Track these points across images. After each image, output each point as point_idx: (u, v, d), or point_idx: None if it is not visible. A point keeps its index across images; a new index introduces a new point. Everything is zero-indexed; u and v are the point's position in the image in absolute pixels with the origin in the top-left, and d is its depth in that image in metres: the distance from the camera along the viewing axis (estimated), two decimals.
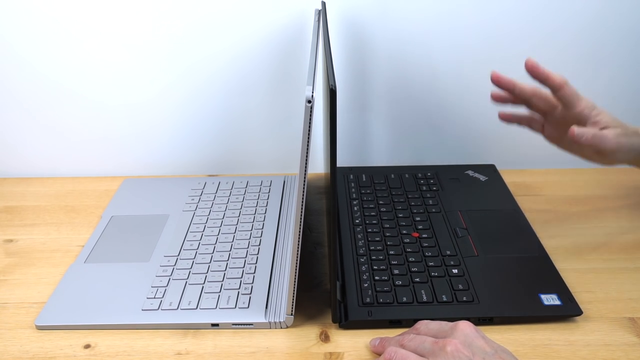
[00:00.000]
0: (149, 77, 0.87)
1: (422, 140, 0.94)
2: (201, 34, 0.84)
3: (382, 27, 0.84)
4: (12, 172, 0.94)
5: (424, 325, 0.57)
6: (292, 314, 0.61)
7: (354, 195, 0.84)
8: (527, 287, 0.65)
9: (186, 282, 0.68)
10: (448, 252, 0.71)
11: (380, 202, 0.82)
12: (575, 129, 0.67)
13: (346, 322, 0.62)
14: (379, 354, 0.56)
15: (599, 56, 0.87)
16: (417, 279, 0.67)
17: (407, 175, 0.89)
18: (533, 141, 0.94)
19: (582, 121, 0.69)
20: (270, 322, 0.62)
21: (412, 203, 0.82)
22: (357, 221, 0.78)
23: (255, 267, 0.70)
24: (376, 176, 0.89)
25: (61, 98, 0.88)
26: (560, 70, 0.87)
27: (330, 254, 0.60)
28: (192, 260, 0.71)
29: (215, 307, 0.64)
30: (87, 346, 0.60)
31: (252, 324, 0.62)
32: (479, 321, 0.62)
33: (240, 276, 0.68)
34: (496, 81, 0.71)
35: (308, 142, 0.51)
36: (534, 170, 0.94)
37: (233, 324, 0.62)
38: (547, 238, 0.75)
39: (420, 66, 0.87)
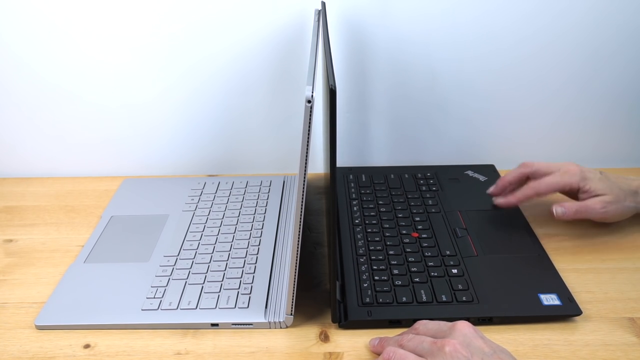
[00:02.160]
0: (149, 78, 0.87)
1: (422, 140, 0.94)
2: (201, 34, 0.84)
3: (382, 27, 0.84)
4: (12, 172, 0.94)
5: (422, 325, 0.57)
6: (291, 314, 0.61)
7: (354, 196, 0.84)
8: (526, 287, 0.65)
9: (186, 282, 0.68)
10: (448, 252, 0.71)
11: (380, 202, 0.82)
12: (555, 210, 0.72)
13: (346, 322, 0.62)
14: (378, 354, 0.56)
15: (600, 56, 0.86)
16: (417, 279, 0.67)
17: (406, 176, 0.89)
18: (533, 141, 0.95)
19: (573, 191, 0.74)
20: (269, 322, 0.62)
21: (412, 203, 0.82)
22: (356, 221, 0.78)
23: (255, 267, 0.70)
24: (376, 176, 0.89)
25: (61, 99, 0.88)
26: (561, 71, 0.88)
27: (330, 254, 0.60)
28: (191, 260, 0.71)
29: (214, 307, 0.64)
30: (87, 346, 0.60)
31: (251, 324, 0.62)
32: (478, 321, 0.62)
33: (239, 276, 0.68)
34: (497, 193, 0.79)
35: (308, 142, 0.51)
36: None
37: (233, 324, 0.62)
38: (547, 238, 0.75)
39: (420, 66, 0.87)
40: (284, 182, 0.89)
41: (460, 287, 0.65)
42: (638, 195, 0.73)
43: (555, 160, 0.94)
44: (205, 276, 0.68)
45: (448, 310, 0.62)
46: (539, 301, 0.63)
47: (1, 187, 0.91)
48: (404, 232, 0.75)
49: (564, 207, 0.72)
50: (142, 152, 0.93)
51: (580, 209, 0.72)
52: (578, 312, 0.62)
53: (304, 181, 0.53)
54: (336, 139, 0.51)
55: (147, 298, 0.65)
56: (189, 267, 0.70)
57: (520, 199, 0.74)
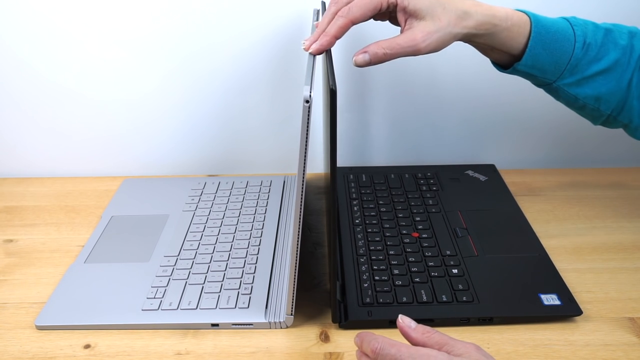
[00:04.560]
0: (149, 78, 0.87)
1: (422, 140, 0.94)
2: (200, 34, 0.84)
3: (382, 27, 0.84)
4: (12, 172, 0.94)
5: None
6: (292, 314, 0.61)
7: (354, 195, 0.84)
8: (527, 287, 0.65)
9: (186, 282, 0.68)
10: (448, 252, 0.71)
11: (380, 202, 0.82)
12: (355, 60, 0.58)
13: (346, 322, 0.61)
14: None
15: None
16: (417, 279, 0.67)
17: (407, 175, 0.89)
18: (533, 141, 0.95)
19: (391, 10, 0.60)
20: (270, 322, 0.62)
21: (412, 203, 0.82)
22: (357, 221, 0.78)
23: (255, 267, 0.70)
24: (376, 176, 0.89)
25: (60, 98, 0.88)
26: None
27: (330, 254, 0.60)
28: (192, 260, 0.71)
29: (215, 307, 0.64)
30: (87, 346, 0.60)
31: (252, 324, 0.62)
32: (478, 321, 0.62)
33: (240, 276, 0.68)
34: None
35: (306, 142, 0.51)
36: (534, 170, 0.94)
37: (233, 324, 0.62)
38: (547, 238, 0.75)
39: (420, 66, 0.87)
40: (284, 182, 0.89)
41: (460, 287, 0.65)
42: (467, 18, 0.59)
43: (555, 159, 0.94)
44: (206, 276, 0.68)
45: (448, 310, 0.62)
46: (539, 301, 0.63)
47: (1, 187, 0.91)
48: (404, 232, 0.75)
49: (366, 51, 0.57)
50: (142, 152, 0.93)
51: (391, 45, 0.56)
52: (578, 312, 0.62)
53: (303, 181, 0.53)
54: (336, 139, 0.51)
55: (147, 298, 0.65)
56: (189, 267, 0.70)
57: (334, 34, 0.58)
